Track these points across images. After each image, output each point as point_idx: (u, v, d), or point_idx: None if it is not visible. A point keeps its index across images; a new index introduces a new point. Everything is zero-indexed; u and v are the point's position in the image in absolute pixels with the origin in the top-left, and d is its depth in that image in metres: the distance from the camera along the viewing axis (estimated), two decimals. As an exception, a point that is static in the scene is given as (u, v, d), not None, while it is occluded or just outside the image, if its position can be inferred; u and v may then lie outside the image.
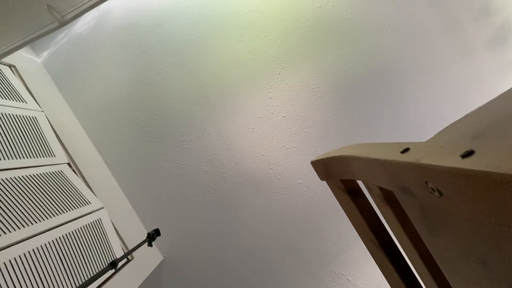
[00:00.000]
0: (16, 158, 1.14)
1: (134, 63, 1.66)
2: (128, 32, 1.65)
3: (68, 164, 1.40)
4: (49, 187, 1.19)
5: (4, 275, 0.86)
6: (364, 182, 0.55)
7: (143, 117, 1.68)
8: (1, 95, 1.25)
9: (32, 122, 1.32)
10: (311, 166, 0.73)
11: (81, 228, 1.21)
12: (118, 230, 1.45)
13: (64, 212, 1.17)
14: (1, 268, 0.86)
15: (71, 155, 1.45)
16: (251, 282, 1.69)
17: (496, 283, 0.33)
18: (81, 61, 1.68)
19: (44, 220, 1.07)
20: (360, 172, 0.51)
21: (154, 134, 1.68)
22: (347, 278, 1.66)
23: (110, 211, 1.45)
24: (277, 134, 1.65)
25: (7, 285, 0.85)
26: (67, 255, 1.09)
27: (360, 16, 1.61)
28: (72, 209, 1.22)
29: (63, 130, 1.51)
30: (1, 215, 0.95)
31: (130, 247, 1.42)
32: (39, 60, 1.69)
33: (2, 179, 1.03)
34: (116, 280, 1.24)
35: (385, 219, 0.56)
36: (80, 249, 1.16)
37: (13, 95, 1.31)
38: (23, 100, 1.34)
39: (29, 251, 0.96)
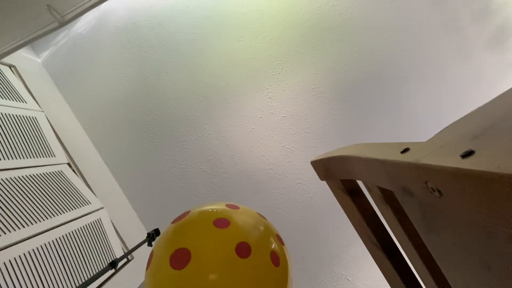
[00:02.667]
0: (16, 158, 1.14)
1: (134, 63, 1.66)
2: (128, 32, 1.65)
3: (68, 164, 1.40)
4: (49, 187, 1.19)
5: (4, 275, 0.86)
6: (364, 182, 0.55)
7: (143, 117, 1.68)
8: (1, 95, 1.25)
9: (32, 122, 1.31)
10: (311, 166, 0.73)
11: (81, 228, 1.21)
12: (118, 230, 1.45)
13: (64, 212, 1.17)
14: (1, 268, 0.86)
15: (71, 155, 1.45)
16: (251, 282, 1.69)
17: (496, 283, 0.33)
18: (81, 61, 1.68)
19: (44, 220, 1.07)
20: (360, 172, 0.51)
21: (154, 134, 1.68)
22: (347, 278, 1.66)
23: (110, 211, 1.45)
24: (277, 134, 1.65)
25: (7, 285, 0.85)
26: (67, 255, 1.09)
27: (360, 16, 1.61)
28: (72, 209, 1.22)
29: (63, 130, 1.51)
30: (1, 215, 0.95)
31: (130, 247, 1.42)
32: (39, 60, 1.69)
33: (2, 179, 1.03)
34: (116, 280, 1.24)
35: (385, 219, 0.56)
36: (80, 249, 1.16)
37: (13, 95, 1.31)
38: (23, 100, 1.34)
39: (29, 251, 0.96)
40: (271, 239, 0.69)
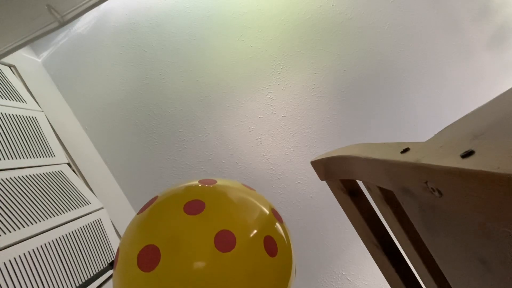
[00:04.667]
0: (16, 158, 1.14)
1: (134, 63, 1.66)
2: (128, 32, 1.65)
3: (68, 164, 1.40)
4: (49, 187, 1.19)
5: (4, 275, 0.86)
6: (364, 182, 0.55)
7: (143, 117, 1.68)
8: (1, 95, 1.25)
9: (32, 122, 1.31)
10: (311, 166, 0.73)
11: (81, 228, 1.21)
12: (118, 230, 1.45)
13: (64, 212, 1.17)
14: (1, 268, 0.86)
15: (71, 155, 1.45)
16: (251, 282, 1.69)
17: (496, 283, 0.33)
18: (81, 61, 1.68)
19: (44, 220, 1.07)
20: (360, 172, 0.51)
21: (154, 134, 1.68)
22: (347, 278, 1.66)
23: (110, 211, 1.45)
24: (277, 134, 1.65)
25: (7, 285, 0.85)
26: (67, 255, 1.09)
27: (360, 16, 1.61)
28: (72, 209, 1.22)
29: (63, 130, 1.51)
30: (1, 215, 0.95)
31: (130, 247, 1.42)
32: (39, 60, 1.69)
33: (2, 179, 1.03)
34: (116, 280, 1.24)
35: (385, 219, 0.56)
36: (80, 249, 1.16)
37: (13, 95, 1.31)
38: (23, 100, 1.34)
39: (29, 251, 0.96)
40: (264, 218, 0.55)
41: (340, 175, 0.63)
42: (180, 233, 0.50)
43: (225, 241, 0.48)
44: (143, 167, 1.69)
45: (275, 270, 0.52)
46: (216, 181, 0.60)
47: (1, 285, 0.84)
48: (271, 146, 1.65)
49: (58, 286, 1.00)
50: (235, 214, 0.53)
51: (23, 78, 1.45)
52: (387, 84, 1.64)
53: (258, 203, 0.58)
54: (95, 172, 1.57)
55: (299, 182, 1.65)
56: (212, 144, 1.66)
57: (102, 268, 1.19)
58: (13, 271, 0.89)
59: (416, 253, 0.50)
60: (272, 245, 0.52)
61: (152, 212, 0.56)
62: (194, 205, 0.52)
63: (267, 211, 0.58)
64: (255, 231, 0.52)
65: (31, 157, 1.20)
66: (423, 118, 1.66)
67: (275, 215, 0.59)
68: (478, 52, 1.68)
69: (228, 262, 0.48)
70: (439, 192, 0.31)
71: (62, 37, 1.67)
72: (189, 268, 0.48)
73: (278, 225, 0.57)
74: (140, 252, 0.50)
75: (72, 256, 1.11)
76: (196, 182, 0.59)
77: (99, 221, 1.33)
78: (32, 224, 1.02)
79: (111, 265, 1.03)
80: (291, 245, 0.59)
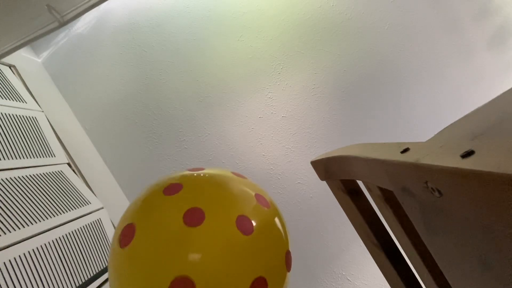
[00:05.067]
0: (16, 158, 1.14)
1: (134, 63, 1.66)
2: (128, 32, 1.64)
3: (68, 164, 1.40)
4: (49, 187, 1.19)
5: (4, 275, 0.86)
6: (364, 182, 0.55)
7: (143, 117, 1.68)
8: (1, 95, 1.25)
9: (32, 122, 1.31)
10: (311, 166, 0.73)
11: (81, 228, 1.21)
12: (118, 230, 1.45)
13: (64, 212, 1.17)
14: (1, 268, 0.86)
15: (71, 155, 1.45)
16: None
17: (496, 284, 0.33)
18: (81, 61, 1.68)
19: (44, 220, 1.07)
20: (360, 172, 0.51)
21: (154, 134, 1.68)
22: (347, 278, 1.66)
23: (110, 211, 1.45)
24: (277, 134, 1.65)
25: (7, 285, 0.85)
26: (67, 255, 1.09)
27: (360, 16, 1.61)
28: (72, 209, 1.22)
29: (63, 130, 1.50)
30: (1, 215, 0.95)
31: (130, 247, 1.42)
32: (39, 60, 1.69)
33: (2, 179, 1.03)
34: (116, 280, 1.24)
35: (385, 219, 0.56)
36: (80, 249, 1.16)
37: (13, 95, 1.31)
38: (23, 100, 1.34)
39: (29, 251, 0.96)
40: (241, 199, 0.57)
41: (340, 175, 0.63)
42: (154, 211, 0.54)
43: (193, 217, 0.51)
44: (143, 167, 1.69)
45: (250, 248, 0.53)
46: (203, 169, 0.63)
47: (1, 285, 0.84)
48: (271, 146, 1.65)
49: (58, 286, 1.00)
50: (208, 194, 0.56)
51: (23, 78, 1.45)
52: (387, 84, 1.64)
53: (239, 187, 0.60)
54: (95, 172, 1.57)
55: (299, 182, 1.65)
56: (212, 144, 1.66)
57: (102, 268, 1.19)
58: (13, 271, 0.89)
59: (416, 253, 0.50)
60: (247, 224, 0.53)
61: (139, 196, 0.60)
62: (173, 187, 0.56)
63: (249, 194, 0.59)
64: (227, 209, 0.54)
65: (31, 157, 1.20)
66: (423, 118, 1.66)
67: (258, 199, 0.60)
68: (478, 52, 1.68)
69: (195, 236, 0.50)
70: (439, 192, 0.31)
71: (62, 37, 1.67)
72: (156, 242, 0.51)
73: (258, 207, 0.59)
74: (122, 230, 0.54)
75: (72, 256, 1.11)
76: (185, 170, 0.63)
77: (99, 221, 1.33)
78: (32, 224, 1.02)
79: (111, 265, 1.03)
80: (283, 231, 0.62)
